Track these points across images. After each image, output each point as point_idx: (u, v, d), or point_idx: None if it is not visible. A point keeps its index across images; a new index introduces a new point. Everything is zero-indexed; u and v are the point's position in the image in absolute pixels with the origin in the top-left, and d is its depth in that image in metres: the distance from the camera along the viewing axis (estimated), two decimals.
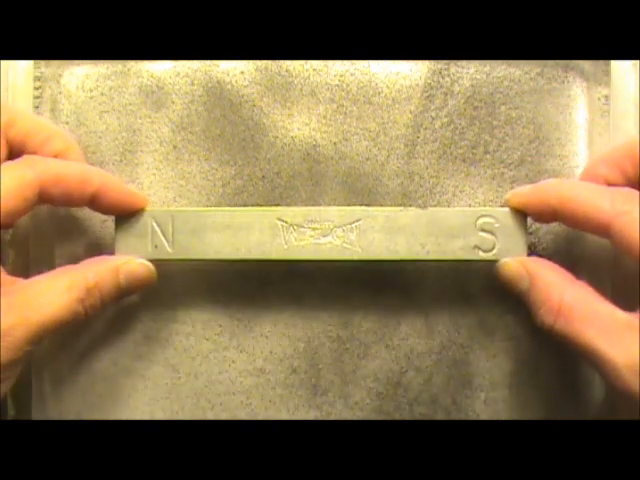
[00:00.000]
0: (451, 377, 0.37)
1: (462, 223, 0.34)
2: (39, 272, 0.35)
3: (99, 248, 0.37)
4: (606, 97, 0.37)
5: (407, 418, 0.37)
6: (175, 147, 0.37)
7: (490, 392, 0.37)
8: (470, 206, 0.37)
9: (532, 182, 0.36)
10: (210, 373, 0.37)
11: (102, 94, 0.37)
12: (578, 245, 0.36)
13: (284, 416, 0.37)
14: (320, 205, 0.37)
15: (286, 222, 0.34)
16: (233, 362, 0.37)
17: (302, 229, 0.34)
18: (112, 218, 0.36)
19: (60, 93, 0.37)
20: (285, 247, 0.34)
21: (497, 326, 0.37)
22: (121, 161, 0.37)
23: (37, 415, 0.38)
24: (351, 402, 0.37)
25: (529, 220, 0.34)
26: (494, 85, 0.37)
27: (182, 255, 0.35)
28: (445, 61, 0.37)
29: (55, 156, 0.35)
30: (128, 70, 0.37)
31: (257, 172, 0.37)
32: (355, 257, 0.34)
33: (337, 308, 0.37)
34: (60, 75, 0.37)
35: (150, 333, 0.37)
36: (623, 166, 0.33)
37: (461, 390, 0.37)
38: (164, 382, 0.37)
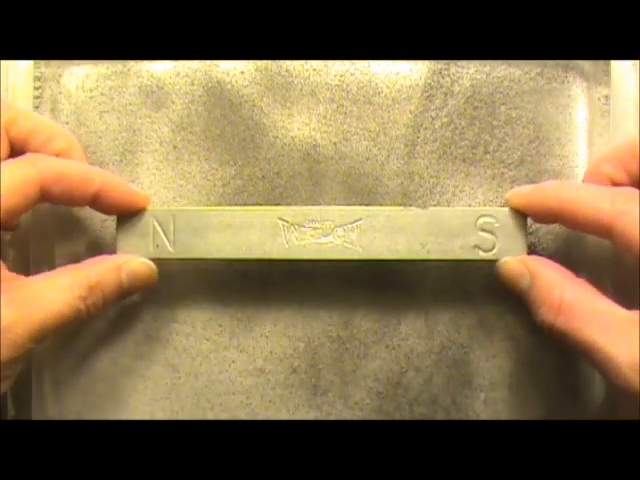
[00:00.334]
0: (451, 377, 0.37)
1: (462, 223, 0.34)
2: (39, 271, 0.35)
3: (100, 247, 0.37)
4: (606, 97, 0.37)
5: (407, 418, 0.37)
6: (175, 147, 0.37)
7: (490, 392, 0.37)
8: (470, 206, 0.37)
9: (532, 182, 0.36)
10: (210, 373, 0.37)
11: (102, 94, 0.37)
12: (578, 245, 0.36)
13: (284, 416, 0.37)
14: (320, 205, 0.37)
15: (287, 222, 0.34)
16: (233, 362, 0.37)
17: (303, 229, 0.34)
18: (113, 217, 0.36)
19: (60, 93, 0.37)
20: (286, 247, 0.34)
21: (497, 326, 0.37)
22: (121, 161, 0.37)
23: (37, 415, 0.38)
24: (351, 402, 0.37)
25: (529, 220, 0.34)
26: (494, 85, 0.37)
27: (183, 254, 0.35)
28: (445, 61, 0.37)
29: (57, 155, 0.35)
30: (128, 70, 0.37)
31: (257, 172, 0.37)
32: (356, 257, 0.34)
33: (337, 308, 0.37)
34: (60, 75, 0.38)
35: (150, 333, 0.37)
36: (627, 164, 0.33)
37: (461, 390, 0.37)
38: (164, 382, 0.37)
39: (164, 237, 0.35)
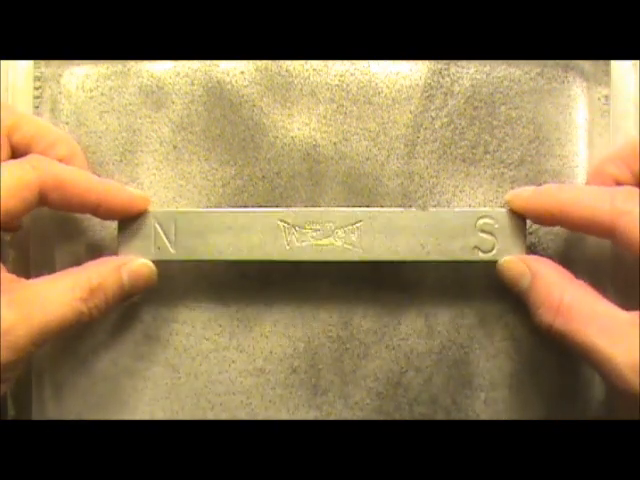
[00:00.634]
0: (451, 377, 0.37)
1: (462, 224, 0.34)
2: (39, 273, 0.35)
3: (100, 248, 0.37)
4: (606, 97, 0.37)
5: (407, 418, 0.37)
6: (175, 147, 0.37)
7: (490, 392, 0.37)
8: (470, 206, 0.37)
9: (532, 182, 0.36)
10: (210, 373, 0.37)
11: (102, 94, 0.37)
12: (578, 245, 0.37)
13: (284, 416, 0.37)
14: (320, 205, 0.37)
15: (288, 223, 0.34)
16: (233, 362, 0.37)
17: (304, 230, 0.34)
18: None
19: (60, 93, 0.37)
20: (287, 248, 0.34)
21: (497, 326, 0.37)
22: (121, 161, 0.37)
23: (37, 415, 0.38)
24: (351, 402, 0.37)
25: (529, 220, 0.34)
26: (494, 85, 0.37)
27: (185, 256, 0.35)
28: (445, 61, 0.37)
29: (59, 161, 0.34)
30: (128, 70, 0.37)
31: (257, 172, 0.37)
32: (356, 258, 0.34)
33: (337, 308, 0.37)
34: (60, 75, 0.37)
35: (150, 333, 0.37)
36: (631, 164, 0.33)
37: (461, 390, 0.37)
38: (164, 382, 0.37)
39: (165, 239, 0.35)
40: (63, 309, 0.31)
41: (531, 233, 0.36)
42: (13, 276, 0.33)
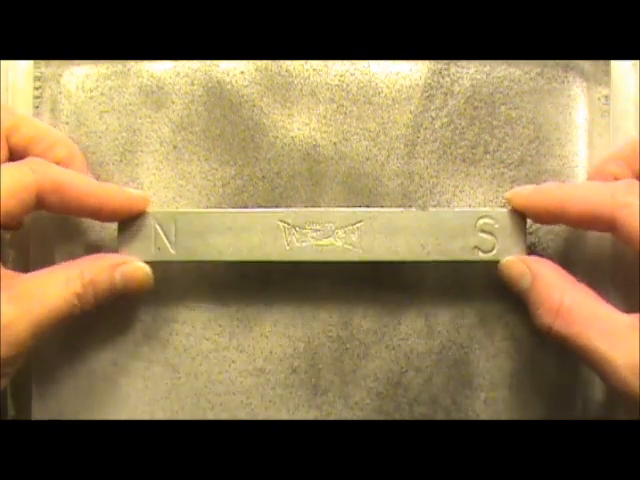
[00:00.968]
0: (451, 377, 0.37)
1: (462, 224, 0.34)
2: None
3: (100, 248, 0.37)
4: (606, 97, 0.37)
5: (407, 418, 0.37)
6: (175, 147, 0.37)
7: (490, 392, 0.37)
8: (470, 206, 0.37)
9: (532, 182, 0.36)
10: (210, 373, 0.37)
11: (102, 94, 0.37)
12: (578, 245, 0.37)
13: (284, 416, 0.37)
14: (320, 205, 0.37)
15: (288, 223, 0.34)
16: (233, 362, 0.37)
17: (304, 231, 0.34)
18: None
19: (60, 93, 0.37)
20: (287, 248, 0.34)
21: (497, 326, 0.37)
22: (121, 161, 0.37)
23: (37, 415, 0.38)
24: (351, 402, 0.37)
25: (529, 220, 0.34)
26: (494, 85, 0.37)
27: (185, 257, 0.35)
28: (445, 61, 0.37)
29: (58, 163, 0.34)
30: (128, 70, 0.37)
31: (257, 172, 0.37)
32: (356, 258, 0.34)
33: (337, 308, 0.37)
34: (60, 75, 0.37)
35: (150, 333, 0.37)
36: (632, 163, 0.33)
37: (461, 390, 0.37)
38: (164, 382, 0.37)
39: (165, 239, 0.35)
40: (60, 303, 0.32)
41: (531, 233, 0.36)
42: (10, 272, 0.33)
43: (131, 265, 0.34)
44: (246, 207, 0.37)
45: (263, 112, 0.37)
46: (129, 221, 0.35)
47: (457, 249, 0.34)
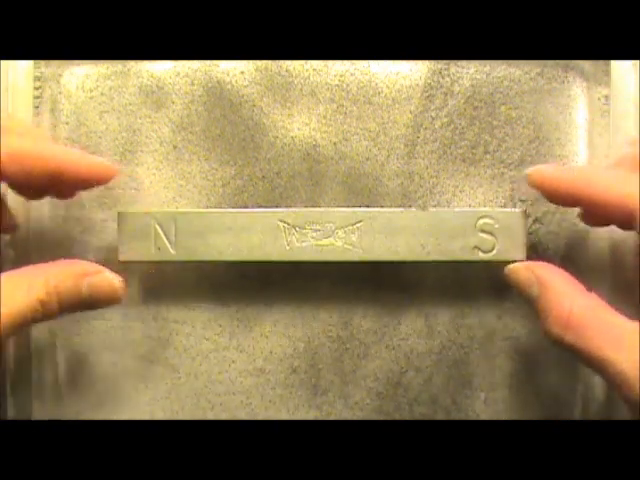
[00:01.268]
0: (451, 377, 0.37)
1: (462, 224, 0.34)
2: None
3: (100, 248, 0.37)
4: (606, 97, 0.37)
5: (407, 418, 0.37)
6: (175, 147, 0.37)
7: (490, 392, 0.37)
8: (470, 206, 0.37)
9: None
10: (210, 373, 0.37)
11: (102, 94, 0.37)
12: (578, 245, 0.37)
13: (284, 416, 0.37)
14: (320, 205, 0.37)
15: (288, 223, 0.34)
16: (233, 362, 0.37)
17: (304, 231, 0.34)
18: (113, 218, 0.36)
19: (60, 93, 0.37)
20: (287, 248, 0.34)
21: (497, 326, 0.37)
22: (121, 161, 0.37)
23: (37, 415, 0.38)
24: (351, 402, 0.37)
25: (529, 220, 0.34)
26: (494, 85, 0.37)
27: (185, 257, 0.35)
28: (445, 61, 0.37)
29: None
30: (128, 70, 0.37)
31: (257, 172, 0.37)
32: (356, 258, 0.34)
33: (337, 308, 0.37)
34: (60, 75, 0.37)
35: (150, 333, 0.37)
36: None
37: (461, 390, 0.37)
38: (164, 382, 0.37)
39: (165, 239, 0.35)
40: (21, 307, 0.30)
41: (531, 233, 0.36)
42: None
43: (100, 276, 0.33)
44: (246, 207, 0.37)
45: (263, 112, 0.37)
46: (129, 220, 0.35)
47: (457, 249, 0.34)
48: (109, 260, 0.37)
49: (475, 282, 0.37)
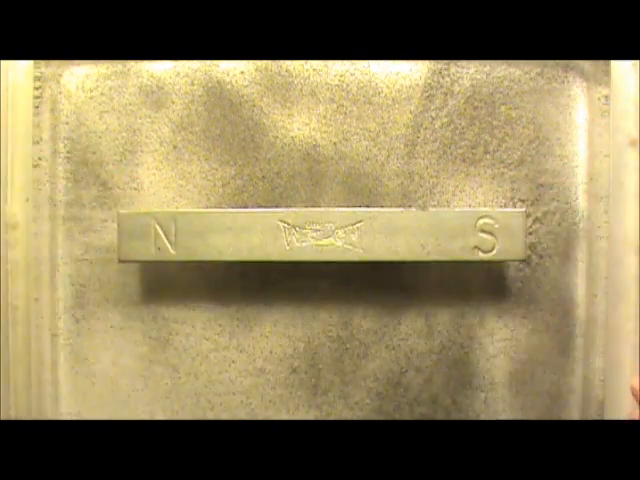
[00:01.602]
0: (451, 377, 0.37)
1: (462, 224, 0.34)
2: (40, 272, 0.35)
3: (100, 248, 0.37)
4: (606, 97, 0.37)
5: (407, 418, 0.37)
6: (175, 147, 0.37)
7: (490, 392, 0.37)
8: (470, 206, 0.37)
9: (532, 182, 0.36)
10: (210, 373, 0.37)
11: (102, 94, 0.37)
12: (578, 245, 0.37)
13: (284, 416, 0.37)
14: (320, 205, 0.37)
15: (288, 223, 0.34)
16: (233, 362, 0.37)
17: (304, 230, 0.34)
18: (113, 218, 0.36)
19: (60, 93, 0.37)
20: (287, 248, 0.34)
21: (497, 326, 0.37)
22: (121, 161, 0.37)
23: (37, 415, 0.38)
24: (351, 402, 0.37)
25: (529, 220, 0.34)
26: (494, 85, 0.37)
27: (185, 257, 0.35)
28: (445, 61, 0.37)
29: None
30: (128, 70, 0.37)
31: (257, 172, 0.37)
32: (356, 258, 0.34)
33: (337, 308, 0.37)
34: (60, 75, 0.37)
35: (150, 333, 0.37)
36: None
37: (461, 390, 0.37)
38: (164, 382, 0.37)
39: (165, 239, 0.35)
40: None
41: (531, 233, 0.36)
42: None
43: None
44: (246, 207, 0.37)
45: (263, 112, 0.37)
46: (129, 220, 0.35)
47: (457, 249, 0.34)
48: (109, 260, 0.37)
49: (475, 282, 0.37)
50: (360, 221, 0.34)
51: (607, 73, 0.37)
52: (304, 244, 0.34)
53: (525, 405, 0.37)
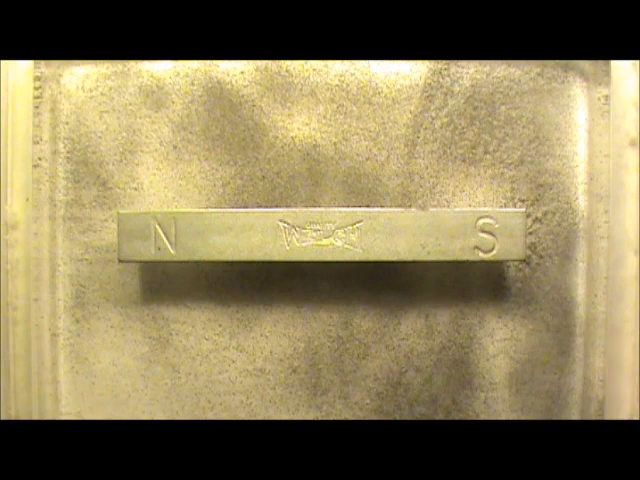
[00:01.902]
0: (451, 377, 0.37)
1: (462, 224, 0.34)
2: (40, 272, 0.35)
3: (100, 248, 0.37)
4: (606, 97, 0.37)
5: (407, 418, 0.37)
6: (175, 147, 0.37)
7: (490, 392, 0.37)
8: (470, 206, 0.37)
9: (532, 182, 0.36)
10: (210, 373, 0.37)
11: (102, 94, 0.37)
12: (578, 245, 0.37)
13: (284, 416, 0.37)
14: (320, 205, 0.37)
15: (288, 223, 0.34)
16: (233, 362, 0.37)
17: (304, 230, 0.34)
18: (113, 217, 0.36)
19: (60, 93, 0.37)
20: (287, 248, 0.34)
21: (497, 326, 0.37)
22: (121, 161, 0.37)
23: (37, 415, 0.38)
24: (351, 402, 0.37)
25: (529, 220, 0.34)
26: (494, 85, 0.37)
27: (185, 257, 0.35)
28: (445, 61, 0.37)
29: None
30: (128, 70, 0.37)
31: (257, 172, 0.37)
32: (356, 258, 0.34)
33: (337, 308, 0.37)
34: (60, 75, 0.37)
35: (150, 333, 0.37)
36: None
37: (461, 390, 0.37)
38: (164, 382, 0.37)
39: (165, 240, 0.35)
40: None
41: (531, 233, 0.36)
42: None
43: None
44: (246, 207, 0.37)
45: (263, 112, 0.37)
46: (128, 220, 0.35)
47: (457, 249, 0.34)
48: (109, 260, 0.37)
49: (475, 282, 0.37)
50: (360, 221, 0.34)
51: (607, 73, 0.37)
52: (304, 244, 0.34)
53: (525, 405, 0.37)
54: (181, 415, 0.37)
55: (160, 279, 0.36)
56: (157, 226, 0.35)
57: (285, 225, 0.34)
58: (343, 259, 0.34)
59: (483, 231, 0.34)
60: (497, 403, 0.37)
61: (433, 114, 0.37)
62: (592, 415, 0.37)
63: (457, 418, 0.37)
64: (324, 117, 0.37)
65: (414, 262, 0.35)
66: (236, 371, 0.37)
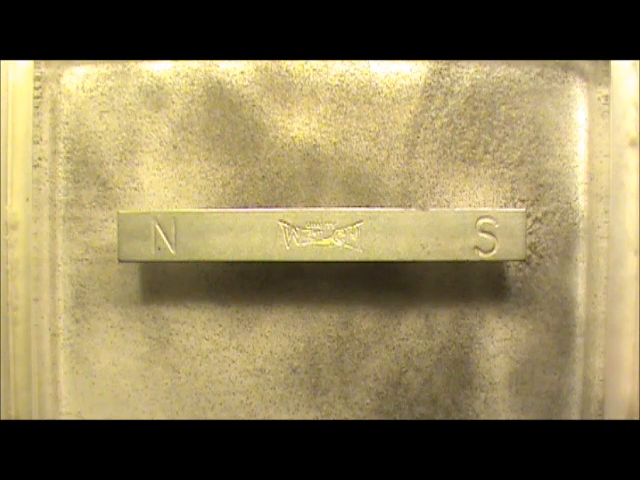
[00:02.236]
0: (451, 377, 0.37)
1: (462, 224, 0.34)
2: (40, 272, 0.35)
3: (100, 248, 0.37)
4: (606, 97, 0.37)
5: (407, 418, 0.37)
6: (175, 147, 0.37)
7: (490, 392, 0.37)
8: (470, 206, 0.37)
9: (532, 182, 0.36)
10: (210, 373, 0.37)
11: (102, 94, 0.37)
12: (578, 245, 0.37)
13: (284, 416, 0.37)
14: (320, 205, 0.37)
15: (288, 223, 0.34)
16: (233, 362, 0.37)
17: (304, 230, 0.34)
18: (113, 217, 0.36)
19: (60, 93, 0.37)
20: (287, 248, 0.34)
21: (497, 326, 0.37)
22: (121, 161, 0.37)
23: (37, 415, 0.38)
24: (351, 402, 0.37)
25: (529, 220, 0.34)
26: (494, 85, 0.37)
27: (185, 257, 0.35)
28: (445, 61, 0.37)
29: None
30: (128, 70, 0.37)
31: (257, 172, 0.37)
32: (356, 258, 0.34)
33: (337, 308, 0.37)
34: (60, 75, 0.37)
35: (150, 333, 0.37)
36: None
37: (461, 390, 0.37)
38: (164, 382, 0.37)
39: (165, 240, 0.35)
40: None
41: (531, 233, 0.36)
42: None
43: None
44: (246, 207, 0.37)
45: (263, 112, 0.37)
46: (128, 220, 0.35)
47: (457, 249, 0.34)
48: (109, 260, 0.37)
49: (475, 282, 0.37)
50: (360, 221, 0.34)
51: (607, 73, 0.37)
52: (304, 244, 0.34)
53: (525, 405, 0.37)
54: (181, 415, 0.37)
55: (160, 279, 0.36)
56: (157, 226, 0.35)
57: (285, 225, 0.34)
58: (343, 259, 0.34)
59: (483, 231, 0.34)
60: (497, 403, 0.37)
61: (433, 114, 0.37)
62: (592, 415, 0.37)
63: (457, 418, 0.37)
64: (324, 117, 0.37)
65: (414, 262, 0.35)
66: (236, 371, 0.37)
